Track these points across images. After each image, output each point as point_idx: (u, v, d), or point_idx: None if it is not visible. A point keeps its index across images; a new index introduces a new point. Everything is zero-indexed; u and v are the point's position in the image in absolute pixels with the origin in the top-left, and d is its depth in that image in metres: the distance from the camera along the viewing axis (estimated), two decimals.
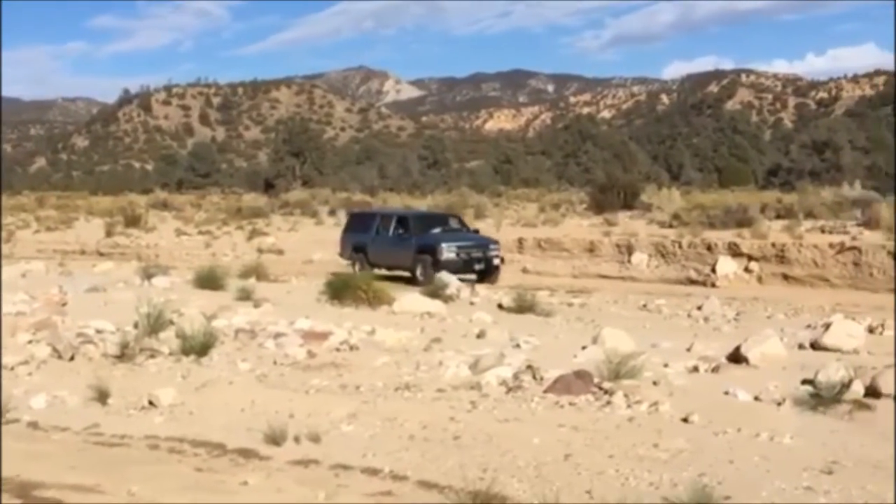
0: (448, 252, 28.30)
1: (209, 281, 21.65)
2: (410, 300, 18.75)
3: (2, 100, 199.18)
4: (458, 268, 27.84)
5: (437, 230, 30.11)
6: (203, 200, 73.55)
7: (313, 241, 41.89)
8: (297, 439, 8.19)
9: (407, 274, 28.73)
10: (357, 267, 29.14)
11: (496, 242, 30.33)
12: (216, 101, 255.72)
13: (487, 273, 28.77)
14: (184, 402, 9.65)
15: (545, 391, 9.66)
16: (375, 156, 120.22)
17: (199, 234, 46.78)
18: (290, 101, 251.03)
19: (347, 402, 9.45)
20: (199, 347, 11.93)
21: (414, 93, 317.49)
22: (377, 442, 8.18)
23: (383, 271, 28.12)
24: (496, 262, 29.34)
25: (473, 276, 28.31)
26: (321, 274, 25.04)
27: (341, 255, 31.61)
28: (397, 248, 29.59)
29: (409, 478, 7.28)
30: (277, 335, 13.45)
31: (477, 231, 32.43)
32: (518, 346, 13.49)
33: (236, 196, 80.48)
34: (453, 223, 31.87)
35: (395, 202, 61.63)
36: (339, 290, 19.15)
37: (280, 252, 38.89)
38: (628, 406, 9.09)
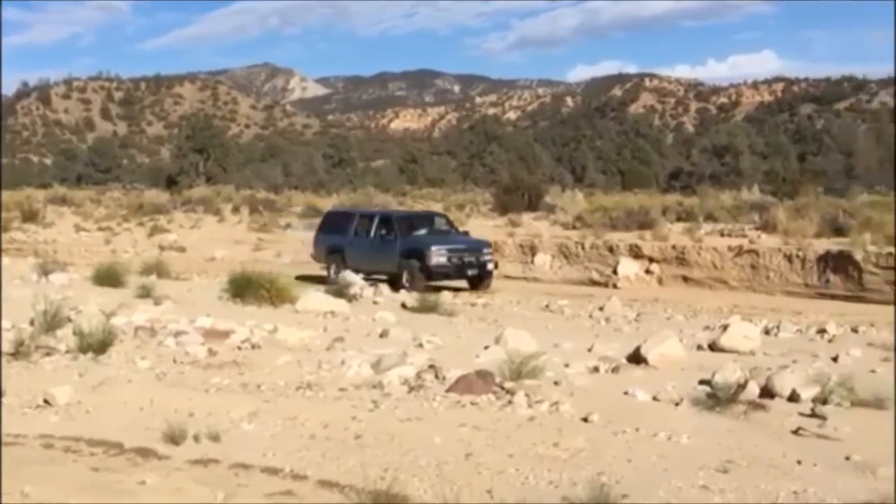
0: (438, 256, 26.43)
1: (108, 278, 21.32)
2: (313, 299, 18.66)
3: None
4: (449, 273, 26.52)
5: (422, 231, 28.21)
6: (103, 196, 72.32)
7: (216, 238, 41.61)
8: (196, 438, 8.10)
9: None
10: (333, 271, 27.41)
11: (489, 245, 28.61)
12: (118, 95, 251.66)
13: (481, 279, 27.12)
14: (80, 401, 9.47)
15: (447, 391, 9.68)
16: (280, 154, 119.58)
17: (98, 231, 46.06)
18: (193, 97, 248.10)
19: (248, 401, 9.36)
20: (97, 345, 11.73)
21: (320, 91, 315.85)
22: (278, 441, 8.12)
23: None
24: (490, 266, 27.48)
25: (464, 283, 26.80)
26: (224, 272, 24.76)
27: (314, 257, 29.81)
28: (379, 252, 27.39)
29: (310, 477, 7.24)
30: (178, 333, 13.28)
31: (467, 233, 30.69)
32: (421, 345, 13.50)
33: (138, 192, 79.31)
34: (440, 223, 29.84)
35: (300, 201, 61.30)
36: (241, 289, 18.98)
37: (182, 249, 38.48)
38: (529, 406, 9.14)
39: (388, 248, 27.15)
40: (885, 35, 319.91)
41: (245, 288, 18.96)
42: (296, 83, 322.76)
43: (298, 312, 17.55)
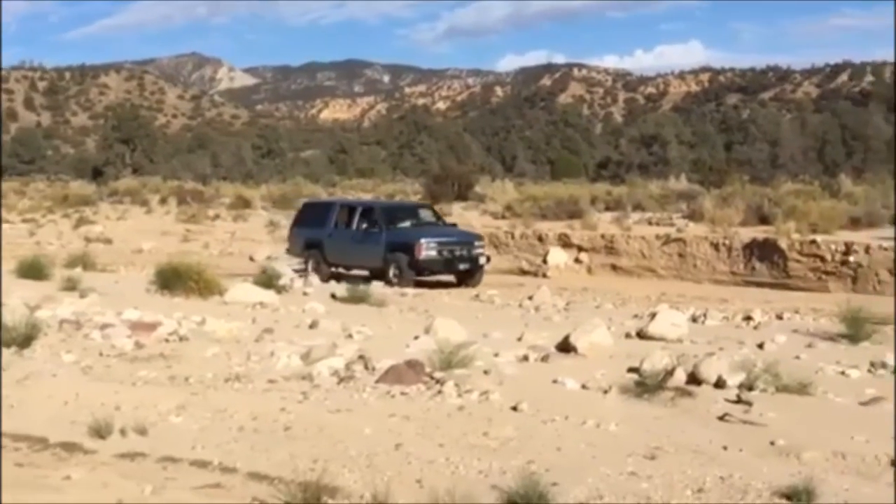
0: (428, 250, 25.19)
1: (33, 270, 20.96)
2: (242, 290, 18.51)
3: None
4: (439, 268, 25.55)
5: (407, 223, 26.95)
6: (27, 187, 71.24)
7: (143, 230, 41.17)
8: (123, 432, 8.01)
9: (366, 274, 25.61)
10: (311, 265, 26.55)
11: (481, 238, 27.44)
12: (42, 85, 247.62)
13: (471, 274, 25.90)
14: (4, 396, 9.32)
15: (377, 381, 9.67)
16: (208, 144, 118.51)
17: (22, 223, 45.29)
18: (119, 87, 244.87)
19: (176, 394, 9.27)
20: (20, 339, 11.53)
21: (248, 81, 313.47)
22: (206, 434, 8.05)
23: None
24: (482, 260, 26.37)
25: (451, 278, 25.78)
26: (151, 264, 24.47)
27: (290, 251, 28.60)
28: (363, 245, 26.21)
29: (239, 470, 7.20)
30: (104, 326, 13.11)
31: (455, 225, 29.33)
32: (351, 336, 13.46)
33: (63, 183, 78.22)
34: (426, 215, 28.55)
35: (229, 191, 60.80)
36: (169, 280, 18.78)
37: (108, 241, 38.03)
38: (459, 395, 9.15)
39: (373, 242, 25.95)
40: (808, 26, 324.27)
41: (173, 280, 18.76)
42: (224, 73, 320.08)
43: (227, 304, 17.40)
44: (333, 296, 19.93)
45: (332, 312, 16.78)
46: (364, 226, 26.54)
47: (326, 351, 11.04)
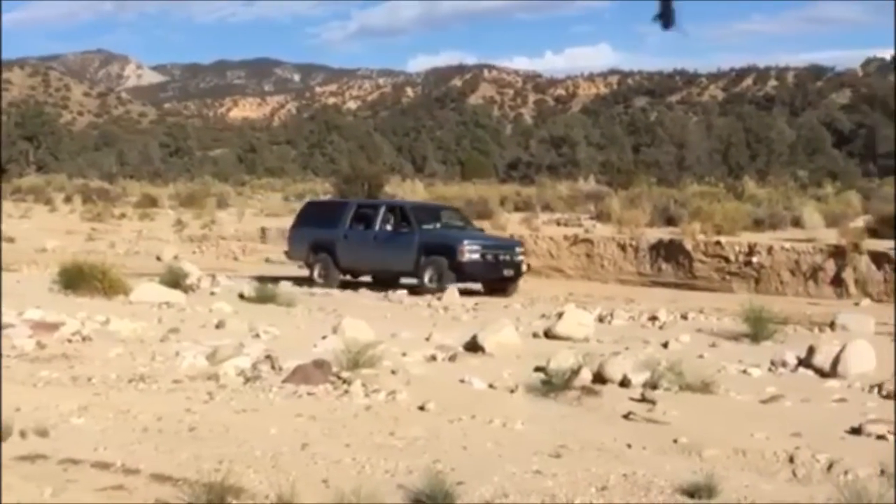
0: (471, 253, 23.19)
1: None
2: (148, 290, 18.28)
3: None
4: (482, 272, 23.51)
5: (436, 225, 24.83)
6: None
7: (47, 228, 40.41)
8: (23, 434, 7.84)
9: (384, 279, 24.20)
10: (318, 271, 24.74)
11: (521, 244, 25.83)
12: None
13: (512, 281, 23.93)
14: None
15: (284, 381, 9.62)
16: (115, 142, 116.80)
17: None
18: (23, 84, 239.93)
19: (78, 395, 9.12)
20: None
21: (156, 78, 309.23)
22: (109, 435, 7.92)
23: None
24: (524, 267, 24.57)
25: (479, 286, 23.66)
26: (55, 263, 24.03)
27: (290, 254, 26.51)
28: (389, 248, 24.12)
29: (142, 471, 7.08)
30: (4, 326, 12.85)
31: (481, 230, 26.88)
32: (258, 336, 13.38)
33: None
34: (453, 217, 26.50)
35: (136, 190, 60.04)
36: (72, 280, 18.47)
37: (11, 240, 37.22)
38: (366, 395, 9.15)
39: (403, 244, 23.81)
40: (715, 30, 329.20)
41: (77, 279, 18.45)
42: (131, 70, 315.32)
43: (132, 304, 17.18)
44: (241, 295, 19.76)
45: (240, 312, 16.65)
46: (387, 226, 24.53)
47: (233, 351, 10.96)
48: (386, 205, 26.23)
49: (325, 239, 24.83)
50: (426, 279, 23.15)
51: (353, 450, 7.48)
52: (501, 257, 23.74)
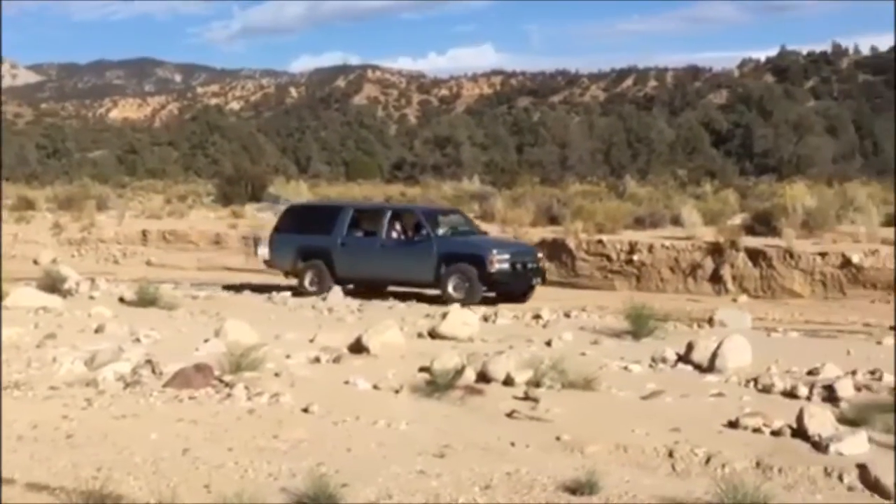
0: (501, 262, 21.85)
1: None
2: (24, 294, 17.83)
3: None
4: (512, 282, 22.29)
5: (447, 230, 23.55)
6: None
7: None
8: None
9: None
10: (309, 279, 23.11)
11: (538, 250, 24.48)
12: None
13: (531, 290, 22.72)
14: None
15: (164, 385, 9.48)
16: None
17: None
18: None
19: None
20: None
21: (32, 78, 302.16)
22: None
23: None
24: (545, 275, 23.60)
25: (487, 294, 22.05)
26: None
27: (272, 263, 24.54)
28: (401, 257, 22.59)
29: (18, 481, 6.91)
30: None
31: (486, 234, 25.55)
32: (138, 340, 13.15)
33: None
34: (459, 221, 25.03)
35: (11, 192, 58.52)
36: None
37: None
38: (249, 398, 9.06)
39: (420, 252, 22.29)
40: (596, 30, 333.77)
41: None
42: (6, 70, 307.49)
43: (8, 309, 16.74)
44: (122, 299, 19.43)
45: (120, 316, 16.35)
46: (394, 233, 23.11)
47: (112, 356, 10.76)
48: (392, 209, 24.59)
49: (317, 246, 23.24)
50: (450, 289, 21.69)
51: (235, 454, 7.40)
52: (529, 265, 22.71)
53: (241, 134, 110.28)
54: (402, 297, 22.05)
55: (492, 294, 22.09)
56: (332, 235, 23.13)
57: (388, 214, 23.42)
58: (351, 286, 23.04)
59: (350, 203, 28.60)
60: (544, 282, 23.32)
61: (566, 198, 36.73)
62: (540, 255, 23.82)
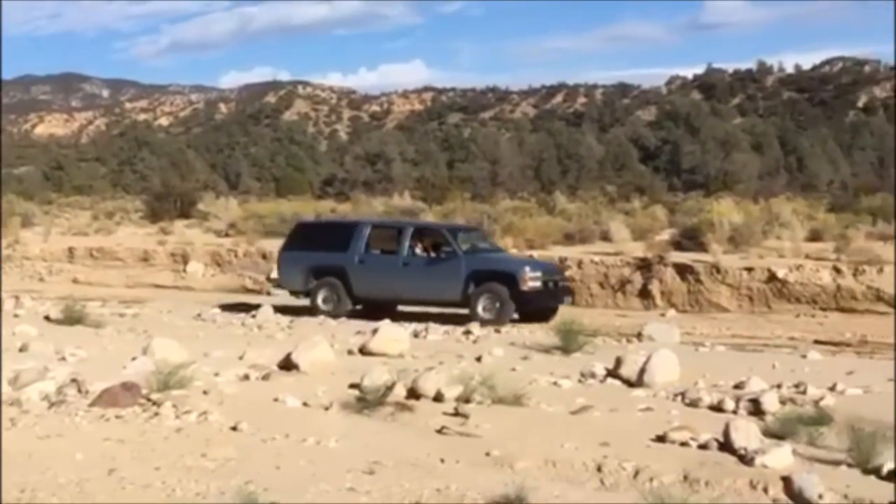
0: (533, 281, 20.89)
1: None
2: None
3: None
4: (545, 301, 21.41)
5: (469, 246, 22.41)
6: None
7: None
8: None
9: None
10: (323, 298, 22.16)
11: (561, 267, 24.23)
12: None
13: (556, 309, 21.47)
14: None
15: (90, 405, 9.34)
16: None
17: None
18: None
19: None
20: None
21: None
22: None
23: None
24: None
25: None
26: None
27: (283, 283, 23.67)
28: (426, 275, 21.60)
29: None
30: None
31: (504, 249, 25.33)
32: (64, 358, 12.98)
33: None
34: (478, 237, 24.10)
35: None
36: None
37: None
38: (177, 416, 8.97)
39: (446, 271, 21.40)
40: (525, 48, 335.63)
41: None
42: None
43: None
44: (47, 317, 19.15)
45: (46, 334, 16.09)
46: (416, 250, 22.13)
47: (37, 374, 10.58)
48: (414, 226, 23.51)
49: (332, 264, 22.22)
50: (480, 310, 20.73)
51: (162, 473, 7.33)
52: (560, 283, 22.20)
53: (170, 150, 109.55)
54: (419, 317, 21.11)
55: (515, 315, 21.16)
56: (348, 253, 22.19)
57: (411, 231, 22.46)
58: (358, 307, 22.20)
59: (366, 219, 27.66)
60: (573, 300, 22.76)
61: (497, 213, 36.93)
62: (565, 273, 23.27)
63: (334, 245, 22.55)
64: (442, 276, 21.31)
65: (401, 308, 22.35)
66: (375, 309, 21.55)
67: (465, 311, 21.00)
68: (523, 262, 22.24)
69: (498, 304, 20.67)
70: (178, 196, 51.07)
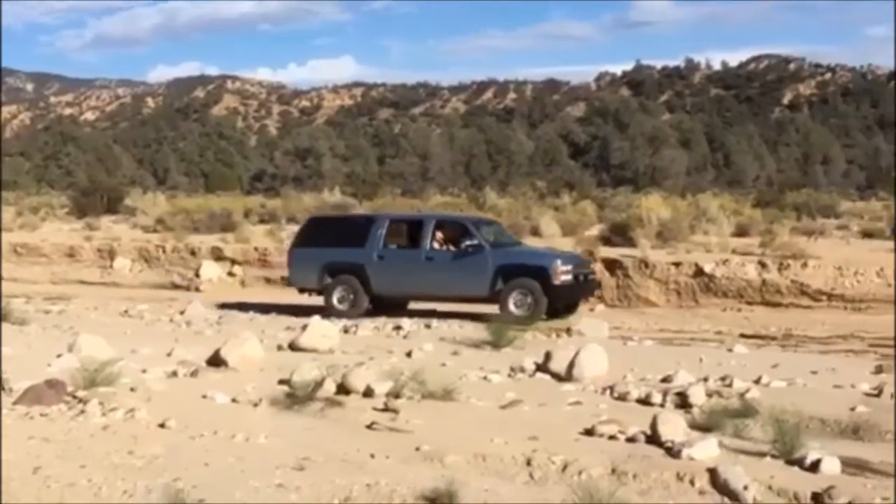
0: (565, 274, 19.83)
1: None
2: None
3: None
4: (576, 294, 20.72)
5: (492, 240, 21.18)
6: None
7: None
8: None
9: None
10: (339, 296, 20.94)
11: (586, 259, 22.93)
12: None
13: (578, 304, 21.10)
14: None
15: (14, 403, 9.22)
16: None
17: None
18: None
19: None
20: None
21: None
22: None
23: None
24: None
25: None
26: None
27: (293, 280, 22.15)
28: (451, 270, 20.37)
29: None
30: None
31: (521, 242, 24.14)
32: None
33: None
34: (497, 232, 22.73)
35: None
36: None
37: None
38: (103, 414, 8.87)
39: (472, 265, 20.19)
40: (455, 44, 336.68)
41: None
42: None
43: None
44: None
45: None
46: (436, 244, 20.87)
47: None
48: (435, 219, 22.15)
49: (348, 261, 21.06)
50: (511, 306, 19.57)
51: (88, 471, 7.24)
52: (589, 276, 21.26)
53: (97, 145, 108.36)
54: (439, 314, 20.50)
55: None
56: (366, 248, 21.02)
57: (432, 224, 21.29)
58: (370, 306, 21.03)
59: (384, 213, 26.73)
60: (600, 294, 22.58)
61: (427, 209, 36.91)
62: (592, 265, 22.67)
63: (350, 241, 21.41)
64: (468, 271, 20.20)
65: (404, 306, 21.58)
66: (388, 307, 20.91)
67: (494, 307, 19.63)
68: (554, 255, 21.17)
69: (530, 300, 19.58)
70: (104, 191, 50.59)
